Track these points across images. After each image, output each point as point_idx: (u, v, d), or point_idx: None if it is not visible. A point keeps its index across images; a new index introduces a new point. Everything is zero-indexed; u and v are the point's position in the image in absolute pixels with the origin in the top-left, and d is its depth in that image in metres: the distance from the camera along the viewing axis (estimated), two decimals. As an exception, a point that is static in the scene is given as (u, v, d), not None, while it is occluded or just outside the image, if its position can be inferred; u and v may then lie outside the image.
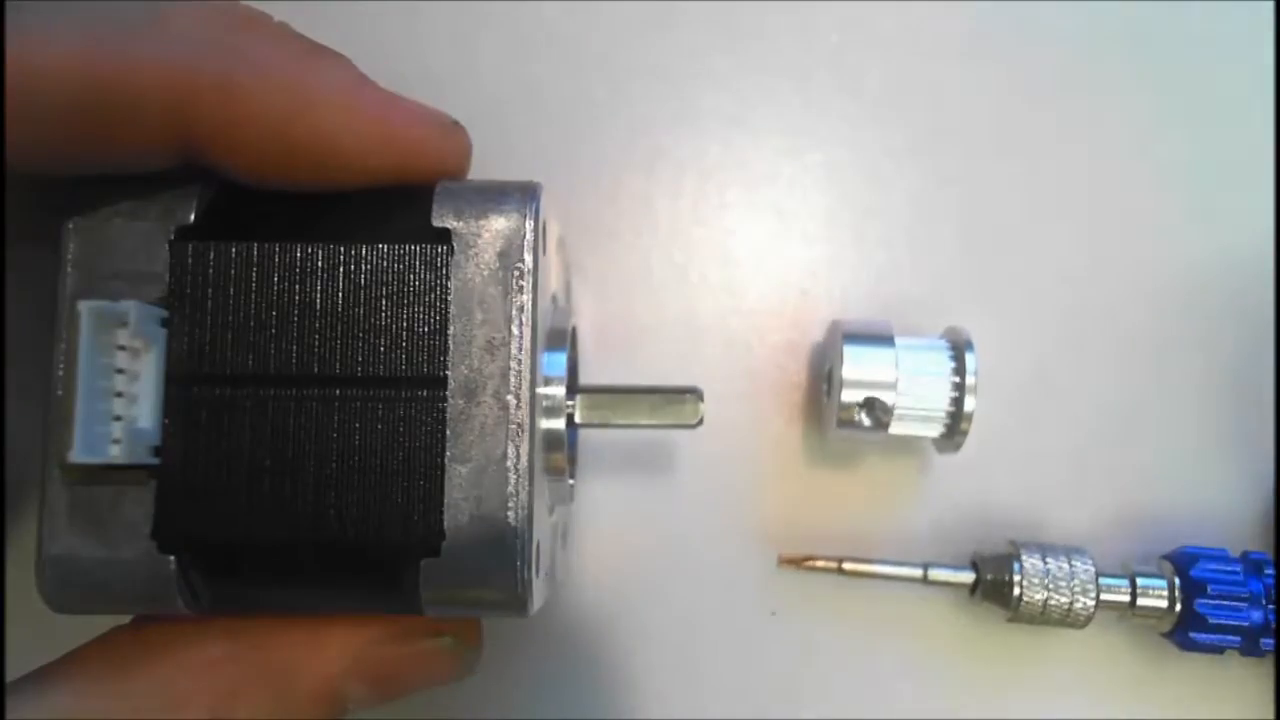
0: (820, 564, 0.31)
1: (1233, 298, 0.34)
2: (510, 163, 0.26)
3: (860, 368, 0.29)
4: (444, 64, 0.34)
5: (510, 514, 0.22)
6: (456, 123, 0.24)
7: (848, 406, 0.29)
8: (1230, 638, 0.29)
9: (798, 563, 0.31)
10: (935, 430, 0.29)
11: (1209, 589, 0.29)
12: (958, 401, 0.29)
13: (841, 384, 0.29)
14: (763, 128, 0.34)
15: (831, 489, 0.33)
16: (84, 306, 0.20)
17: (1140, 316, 0.34)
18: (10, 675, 0.22)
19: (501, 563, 0.22)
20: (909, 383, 0.29)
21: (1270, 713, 0.31)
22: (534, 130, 0.34)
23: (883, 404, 0.29)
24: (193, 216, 0.22)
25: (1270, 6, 0.34)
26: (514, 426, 0.22)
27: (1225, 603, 0.29)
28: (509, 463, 0.22)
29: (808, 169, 0.34)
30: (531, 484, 0.22)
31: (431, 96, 0.24)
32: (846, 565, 0.31)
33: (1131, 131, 0.34)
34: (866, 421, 0.29)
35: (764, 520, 0.32)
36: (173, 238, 0.22)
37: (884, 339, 0.29)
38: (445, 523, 0.21)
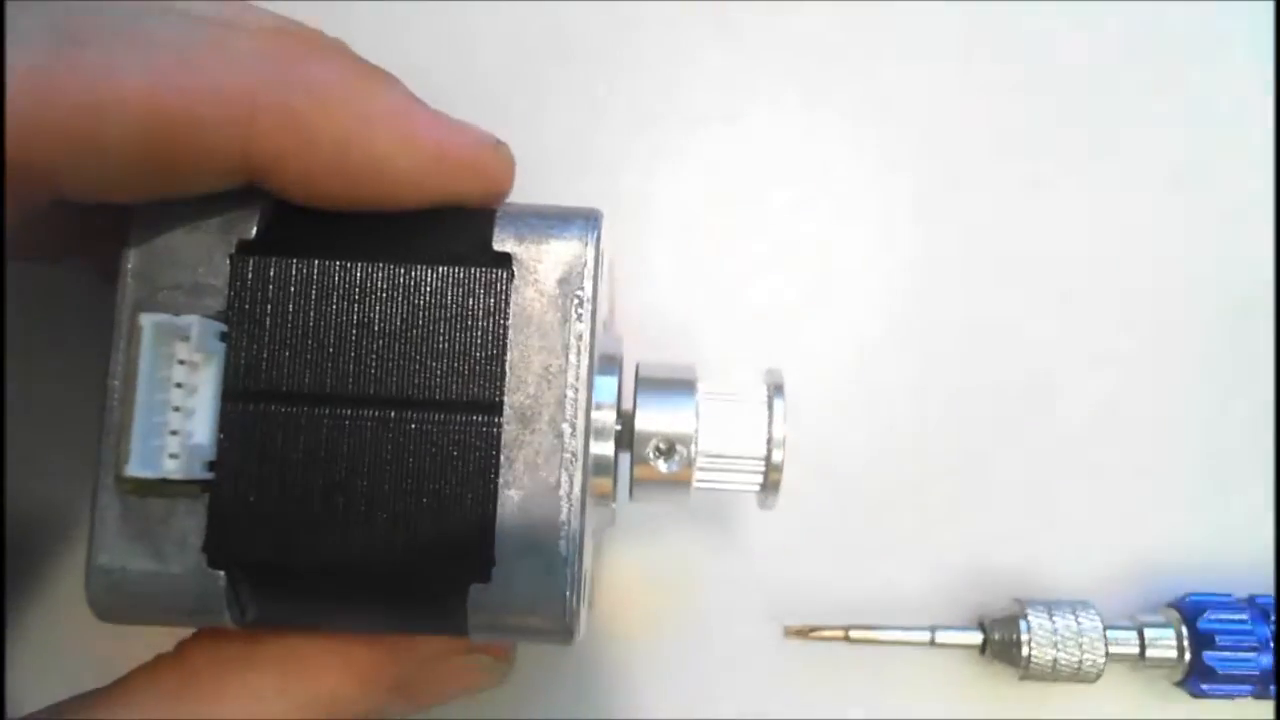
0: (827, 634, 0.31)
1: (1233, 327, 0.34)
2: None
3: (656, 416, 0.25)
4: (443, 63, 0.33)
5: (561, 543, 0.22)
6: (500, 142, 0.24)
7: (643, 455, 0.25)
8: (1241, 687, 0.30)
9: (804, 634, 0.31)
10: (749, 484, 0.26)
11: (1216, 640, 0.30)
12: (767, 454, 0.25)
13: (634, 435, 0.25)
14: (763, 128, 0.34)
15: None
16: (146, 320, 0.20)
17: (1140, 345, 0.34)
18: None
19: (550, 591, 0.22)
20: (710, 433, 0.25)
21: None
22: (534, 129, 0.33)
23: (683, 448, 0.25)
24: (254, 231, 0.22)
25: (1270, 6, 0.35)
26: (568, 455, 0.22)
27: (1234, 654, 0.29)
28: (561, 491, 0.22)
29: (807, 168, 0.34)
30: (583, 513, 0.22)
31: (430, 97, 0.23)
32: (853, 634, 0.31)
33: (1131, 129, 0.34)
34: (664, 468, 0.25)
35: (769, 530, 0.32)
36: (234, 251, 0.22)
37: (685, 384, 0.26)
38: (496, 549, 0.21)
